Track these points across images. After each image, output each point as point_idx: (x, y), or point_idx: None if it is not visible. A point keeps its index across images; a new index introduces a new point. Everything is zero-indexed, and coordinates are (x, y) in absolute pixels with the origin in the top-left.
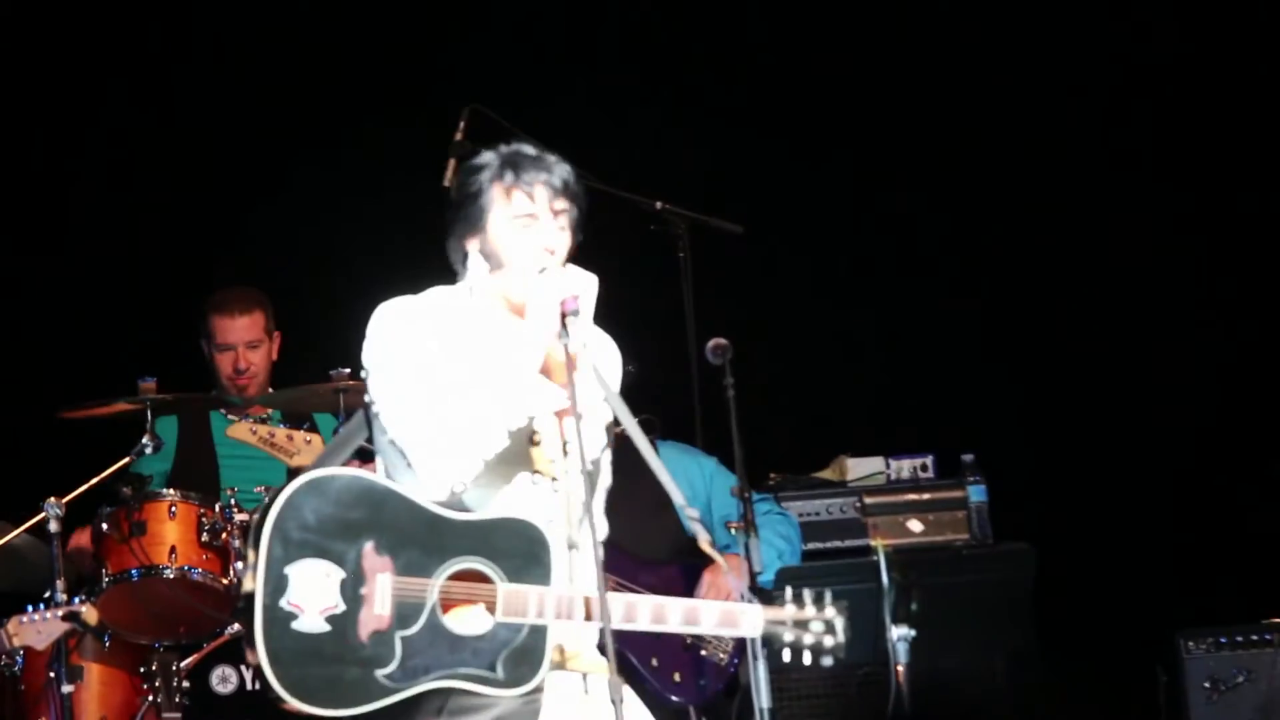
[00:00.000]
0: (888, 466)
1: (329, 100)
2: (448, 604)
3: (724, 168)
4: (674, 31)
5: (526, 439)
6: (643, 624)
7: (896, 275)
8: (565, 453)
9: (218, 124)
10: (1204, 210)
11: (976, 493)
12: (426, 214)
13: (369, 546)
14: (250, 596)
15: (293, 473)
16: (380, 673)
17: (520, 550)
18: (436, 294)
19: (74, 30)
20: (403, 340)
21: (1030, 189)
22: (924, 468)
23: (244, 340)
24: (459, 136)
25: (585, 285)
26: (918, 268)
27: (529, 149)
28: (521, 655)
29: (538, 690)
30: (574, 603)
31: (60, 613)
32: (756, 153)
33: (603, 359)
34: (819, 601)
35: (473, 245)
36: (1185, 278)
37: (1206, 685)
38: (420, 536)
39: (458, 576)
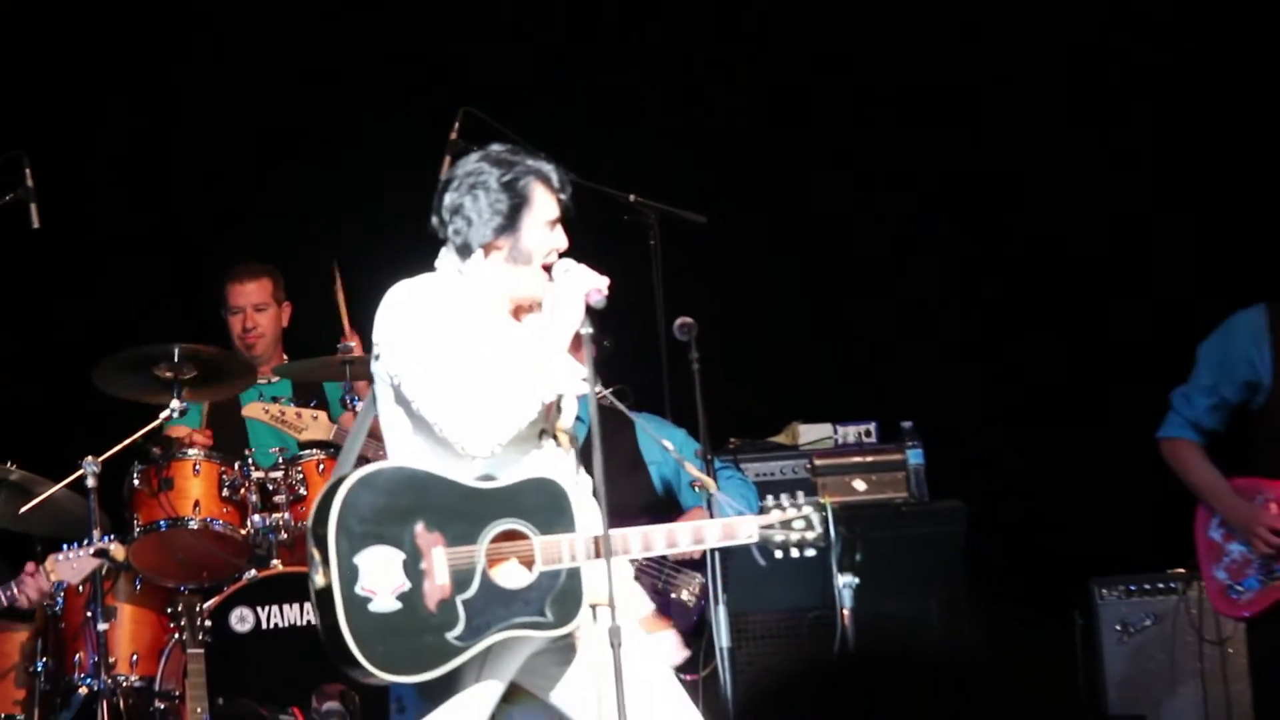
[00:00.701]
0: (835, 432)
1: (341, 91)
2: (494, 562)
3: (689, 161)
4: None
5: (549, 409)
6: (659, 549)
7: (842, 262)
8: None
9: (240, 116)
10: (1120, 186)
11: (914, 456)
12: (421, 203)
13: (420, 527)
14: (326, 591)
15: (303, 444)
16: (450, 635)
17: (546, 505)
18: (443, 279)
19: (79, 24)
20: (427, 317)
21: (968, 171)
22: (868, 433)
23: (251, 303)
24: (454, 136)
25: (602, 277)
26: (862, 257)
27: (547, 160)
28: (564, 596)
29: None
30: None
31: (91, 550)
32: (720, 147)
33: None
34: (794, 501)
35: (504, 242)
36: (1102, 251)
37: (1118, 628)
38: (461, 509)
39: (498, 538)
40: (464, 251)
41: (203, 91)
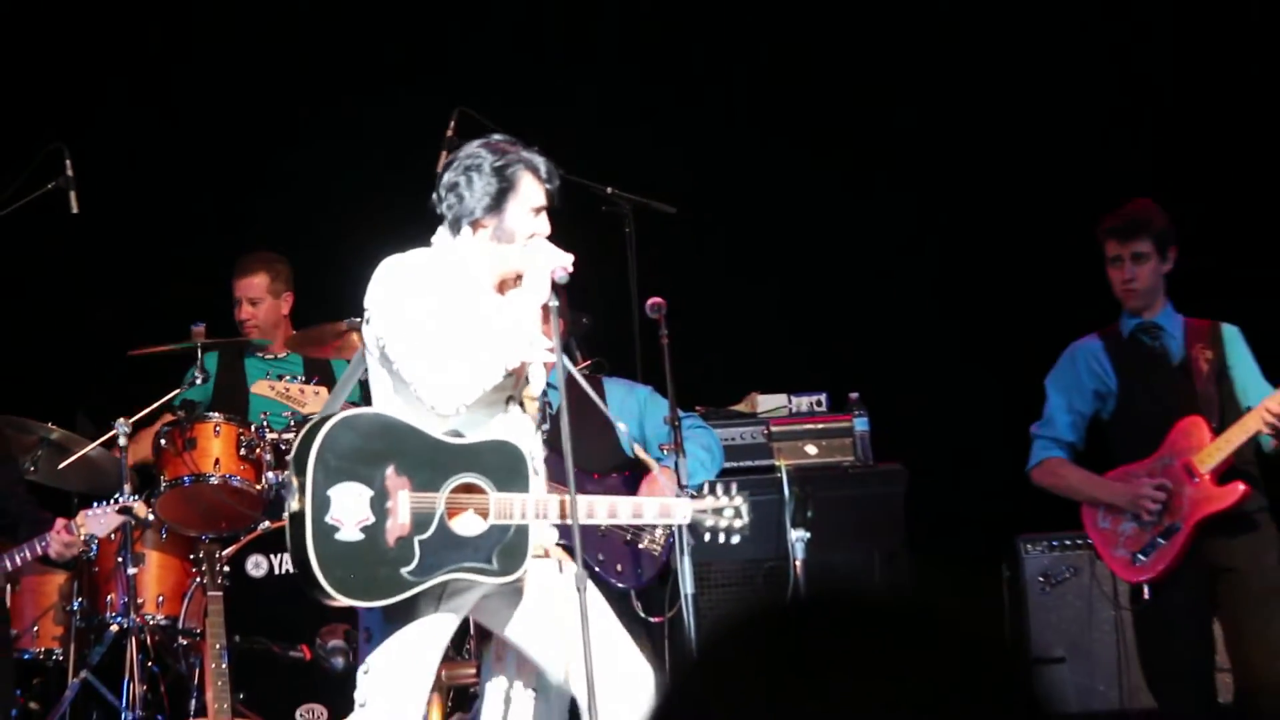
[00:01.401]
0: (790, 402)
1: (340, 84)
2: (452, 511)
3: (662, 156)
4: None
5: (516, 376)
6: (601, 518)
7: (799, 250)
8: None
9: (250, 103)
10: (1057, 159)
11: (860, 423)
12: (417, 189)
13: (390, 470)
14: (299, 515)
15: (307, 415)
16: (404, 570)
17: (505, 465)
18: (427, 253)
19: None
20: (411, 288)
21: (903, 148)
22: (819, 403)
23: (246, 296)
24: (450, 133)
25: (568, 255)
26: (815, 245)
27: (535, 151)
28: (511, 549)
29: (521, 581)
30: (549, 504)
31: (117, 507)
32: (691, 140)
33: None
34: (728, 492)
35: (489, 221)
36: (1032, 234)
37: (1040, 579)
38: (429, 459)
39: (458, 489)
40: (455, 226)
41: (217, 80)
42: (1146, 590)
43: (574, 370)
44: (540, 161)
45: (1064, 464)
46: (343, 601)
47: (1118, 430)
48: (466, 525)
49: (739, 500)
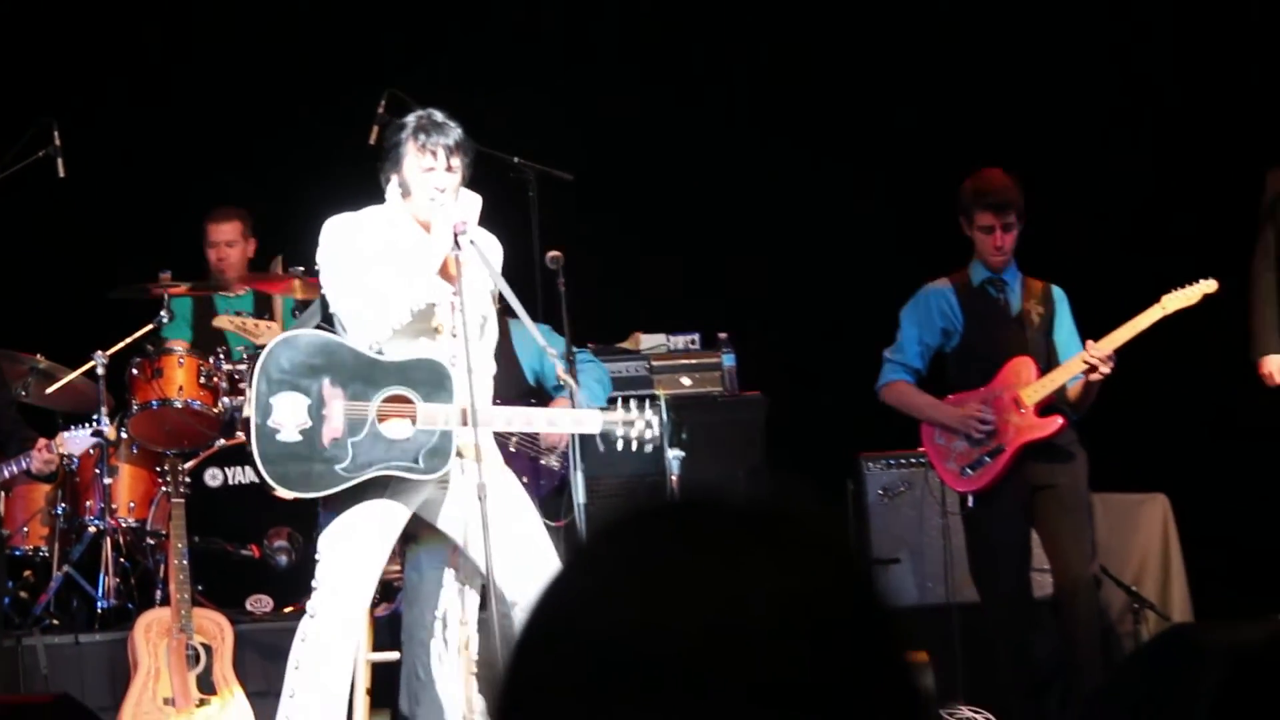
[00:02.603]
0: (668, 340)
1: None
2: (383, 418)
3: (561, 125)
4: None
5: (428, 312)
6: (519, 426)
7: (677, 210)
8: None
9: (217, 89)
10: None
11: (728, 359)
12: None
13: (326, 382)
14: (248, 420)
15: (260, 346)
16: (339, 467)
17: (431, 380)
18: (370, 211)
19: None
20: (344, 243)
21: (765, 98)
22: (693, 342)
23: (223, 240)
24: (380, 110)
25: (472, 207)
26: (690, 206)
27: (438, 116)
28: (435, 452)
29: (446, 478)
30: (468, 414)
31: (90, 430)
32: (589, 115)
33: (490, 251)
34: (641, 408)
35: (394, 178)
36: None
37: (880, 492)
38: (361, 373)
39: (389, 400)
40: (385, 182)
41: (186, 61)
42: (970, 499)
43: (511, 295)
44: (423, 127)
45: (910, 387)
46: (285, 493)
47: (957, 363)
48: (395, 430)
49: (650, 415)
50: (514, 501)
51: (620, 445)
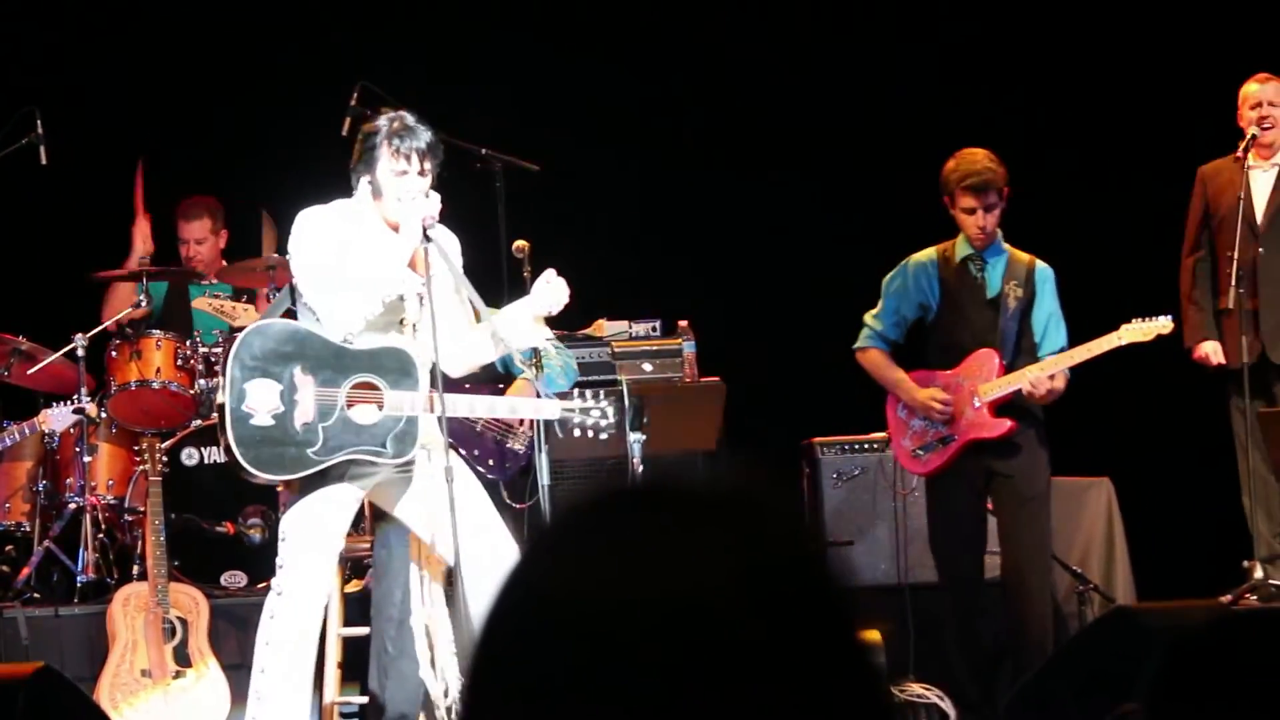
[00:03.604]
0: (630, 327)
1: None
2: (351, 403)
3: (528, 120)
4: None
5: (397, 304)
6: (481, 412)
7: (640, 204)
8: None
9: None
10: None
11: (688, 346)
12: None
13: (297, 369)
14: (222, 405)
15: (235, 329)
16: (310, 450)
17: (398, 368)
18: (340, 204)
19: None
20: (317, 235)
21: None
22: (654, 329)
23: (192, 237)
24: (353, 102)
25: (436, 205)
26: (652, 200)
27: (410, 119)
28: (402, 436)
29: (410, 464)
30: (434, 400)
31: (72, 408)
32: (554, 109)
33: (450, 247)
34: (596, 398)
35: (366, 178)
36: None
37: (834, 476)
38: (331, 361)
39: (358, 386)
40: (355, 178)
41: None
42: (914, 480)
43: (472, 291)
44: (404, 122)
45: (881, 356)
46: (260, 476)
47: (931, 339)
48: (364, 415)
49: (605, 404)
50: (472, 491)
51: (577, 433)
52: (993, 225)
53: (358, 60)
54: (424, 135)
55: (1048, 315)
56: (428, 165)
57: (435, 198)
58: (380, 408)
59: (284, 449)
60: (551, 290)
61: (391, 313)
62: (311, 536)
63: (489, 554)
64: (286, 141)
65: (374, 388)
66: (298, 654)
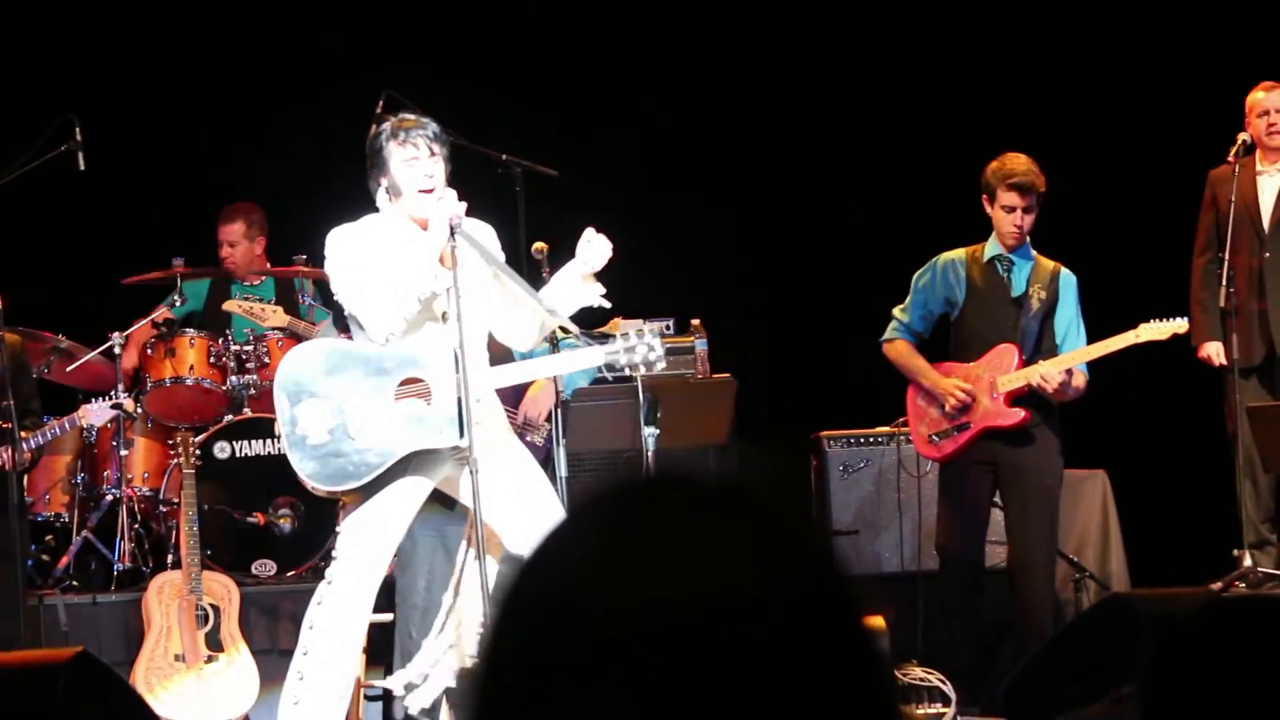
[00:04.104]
0: (645, 325)
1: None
2: (400, 400)
3: (548, 125)
4: None
5: (432, 300)
6: (530, 375)
7: (655, 204)
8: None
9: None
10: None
11: (700, 344)
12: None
13: (343, 381)
14: (280, 435)
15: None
16: (371, 455)
17: (440, 361)
18: (367, 219)
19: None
20: (347, 250)
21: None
22: (668, 327)
23: (226, 240)
24: (379, 110)
25: (459, 203)
26: (667, 200)
27: (410, 115)
28: (451, 422)
29: (464, 452)
30: (460, 385)
31: (110, 403)
32: (571, 115)
33: (487, 240)
34: (639, 334)
35: (382, 182)
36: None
37: (840, 468)
38: (374, 366)
39: (405, 383)
40: (374, 189)
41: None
42: (927, 465)
43: (516, 277)
44: (403, 123)
45: (908, 347)
46: (325, 489)
47: (956, 333)
48: (414, 409)
49: (647, 335)
50: (527, 467)
51: (627, 371)
52: (1028, 227)
53: (379, 70)
54: (427, 123)
55: (1069, 319)
56: (436, 148)
57: (455, 195)
58: (428, 400)
59: (345, 459)
60: (594, 247)
61: (426, 309)
62: (368, 532)
63: (541, 527)
64: (323, 147)
65: (419, 381)
66: (340, 641)
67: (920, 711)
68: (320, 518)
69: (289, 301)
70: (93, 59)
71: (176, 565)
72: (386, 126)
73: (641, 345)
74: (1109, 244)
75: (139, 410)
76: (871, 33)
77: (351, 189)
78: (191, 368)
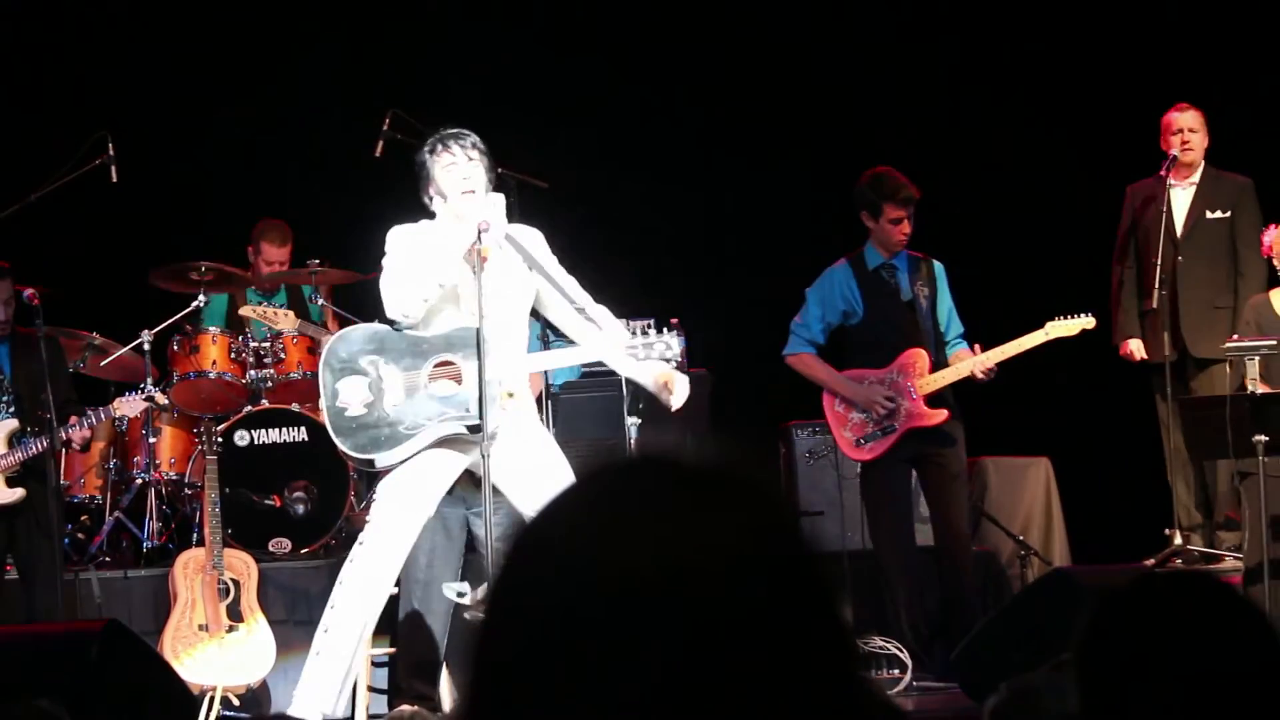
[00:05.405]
0: (628, 324)
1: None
2: (433, 379)
3: (541, 140)
4: None
5: (454, 291)
6: (554, 364)
7: (638, 212)
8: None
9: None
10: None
11: (679, 343)
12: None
13: (382, 360)
14: (321, 407)
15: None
16: (401, 427)
17: (469, 344)
18: (425, 222)
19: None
20: (391, 244)
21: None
22: (648, 326)
23: (276, 260)
24: (385, 126)
25: (498, 206)
26: (648, 208)
27: (450, 129)
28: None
29: (494, 432)
30: (480, 369)
31: (142, 395)
32: (562, 132)
33: (531, 241)
34: (660, 332)
35: (431, 190)
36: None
37: (807, 455)
38: (410, 349)
39: (437, 365)
40: (426, 201)
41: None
42: (859, 466)
43: (559, 272)
44: (443, 136)
45: (814, 359)
46: (360, 458)
47: (857, 340)
48: (445, 389)
49: (667, 335)
50: (549, 447)
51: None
52: (910, 232)
53: (395, 90)
54: (465, 134)
55: (949, 307)
56: (473, 153)
57: (496, 198)
58: (459, 381)
59: (379, 430)
60: (679, 396)
61: (455, 301)
62: (403, 494)
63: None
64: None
65: (451, 364)
66: (363, 599)
67: (880, 675)
68: (332, 500)
69: (299, 306)
70: (124, 71)
71: (200, 543)
72: (429, 142)
73: (660, 344)
74: (1015, 247)
75: (166, 401)
76: (843, 33)
77: (372, 194)
78: (214, 363)
